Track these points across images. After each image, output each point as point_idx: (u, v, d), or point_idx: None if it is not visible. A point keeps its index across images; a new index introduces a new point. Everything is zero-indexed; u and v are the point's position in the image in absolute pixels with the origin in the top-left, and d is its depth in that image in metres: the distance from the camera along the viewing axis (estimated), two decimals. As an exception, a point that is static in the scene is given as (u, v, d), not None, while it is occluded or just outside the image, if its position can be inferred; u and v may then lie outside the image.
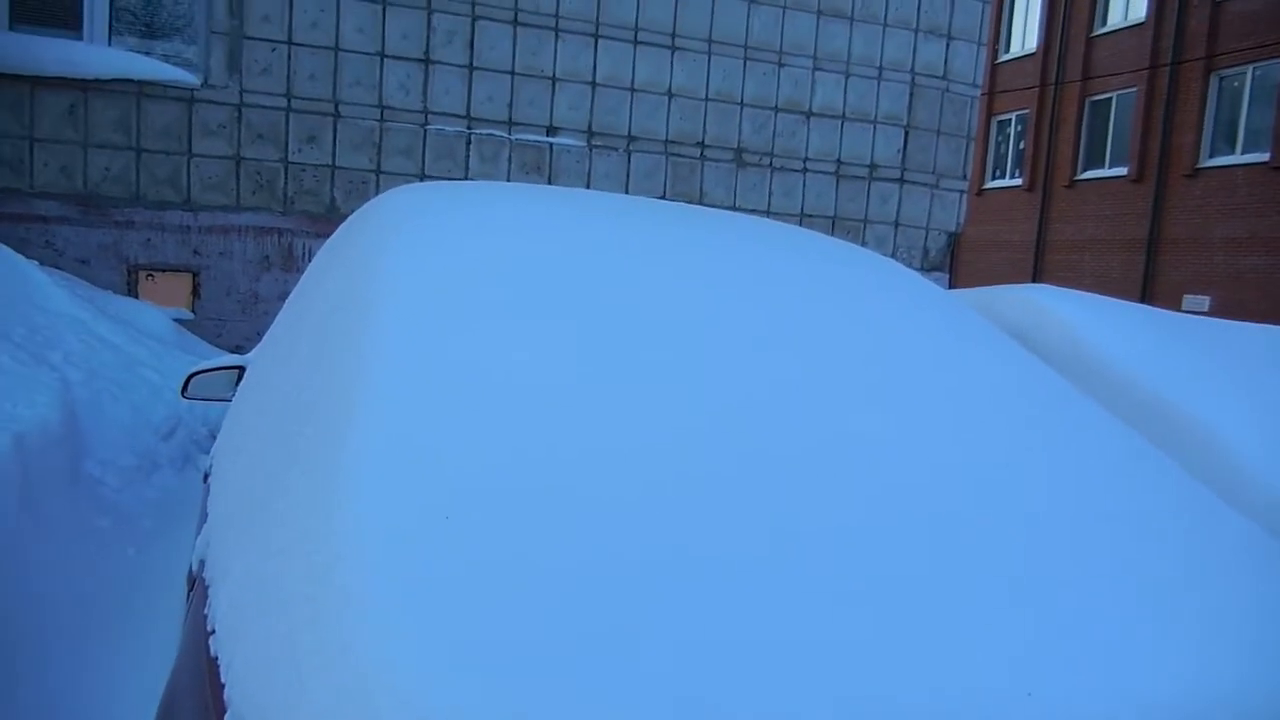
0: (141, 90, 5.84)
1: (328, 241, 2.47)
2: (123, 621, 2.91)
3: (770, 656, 0.93)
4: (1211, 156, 16.71)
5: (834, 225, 7.24)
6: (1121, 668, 1.03)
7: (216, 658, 1.12)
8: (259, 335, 5.46)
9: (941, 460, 1.34)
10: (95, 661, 2.70)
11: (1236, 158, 16.20)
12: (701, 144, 6.98)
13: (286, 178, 6.18)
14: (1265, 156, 15.57)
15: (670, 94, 6.85)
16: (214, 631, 1.17)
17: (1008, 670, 0.98)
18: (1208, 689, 1.04)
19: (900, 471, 1.29)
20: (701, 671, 0.90)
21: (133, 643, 2.76)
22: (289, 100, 6.14)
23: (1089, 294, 3.95)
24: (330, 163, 6.25)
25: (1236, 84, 16.33)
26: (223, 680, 1.06)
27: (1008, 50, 21.50)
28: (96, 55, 5.74)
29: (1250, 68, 15.95)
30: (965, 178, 7.57)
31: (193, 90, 5.95)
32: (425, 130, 6.41)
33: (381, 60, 6.27)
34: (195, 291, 6.07)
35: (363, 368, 1.38)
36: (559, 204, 2.26)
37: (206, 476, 2.17)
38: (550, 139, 6.64)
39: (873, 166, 7.36)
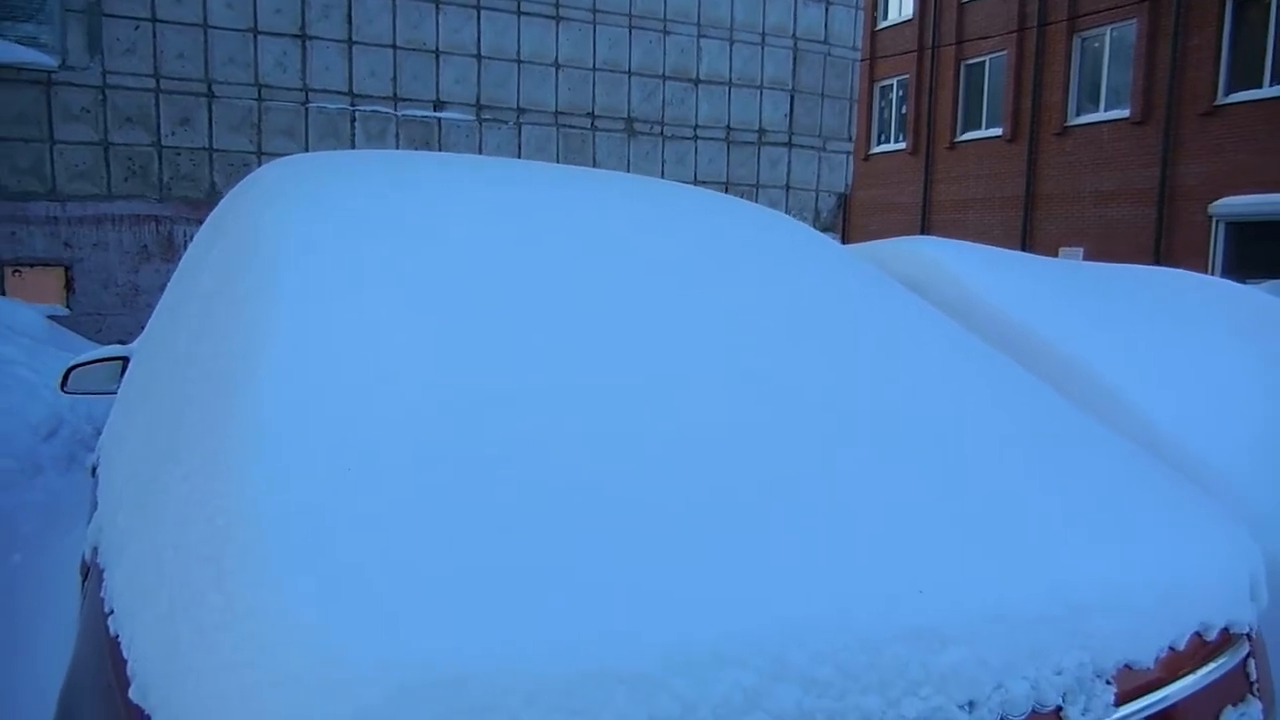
0: (-7, 74, 5.48)
1: (207, 220, 2.38)
2: (11, 627, 2.77)
3: (657, 568, 0.97)
4: (1079, 115, 17.53)
5: (726, 190, 7.34)
6: (1001, 563, 1.11)
7: (117, 636, 1.10)
8: (142, 329, 5.23)
9: (840, 392, 1.40)
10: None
11: (1101, 114, 17.03)
12: (592, 114, 6.96)
13: (161, 162, 5.90)
14: (1126, 112, 16.43)
15: (557, 65, 6.80)
16: (112, 611, 1.15)
17: (901, 570, 1.05)
18: (1080, 579, 1.13)
19: (798, 402, 1.34)
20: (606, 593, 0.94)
21: (24, 646, 2.63)
22: (158, 81, 5.85)
23: (972, 243, 4.13)
24: (207, 145, 6.00)
25: (1097, 45, 17.15)
26: (125, 656, 1.05)
27: (885, 17, 22.02)
28: (-61, 38, 5.35)
29: (1108, 29, 16.77)
30: (851, 139, 7.77)
31: (50, 73, 5.61)
32: (307, 109, 6.21)
33: (255, 36, 6.02)
34: (69, 286, 5.76)
35: (249, 341, 1.35)
36: (447, 169, 2.23)
37: (94, 470, 2.09)
38: (438, 114, 6.52)
39: (761, 131, 7.48)
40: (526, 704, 0.84)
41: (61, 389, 2.97)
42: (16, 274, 5.65)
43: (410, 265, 1.52)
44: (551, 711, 0.85)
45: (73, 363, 2.97)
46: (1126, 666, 1.15)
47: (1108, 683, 1.12)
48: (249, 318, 1.41)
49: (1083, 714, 1.07)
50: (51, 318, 5.50)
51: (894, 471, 1.22)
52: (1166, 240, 15.86)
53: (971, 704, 1.01)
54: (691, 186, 2.60)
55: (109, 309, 5.88)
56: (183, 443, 1.28)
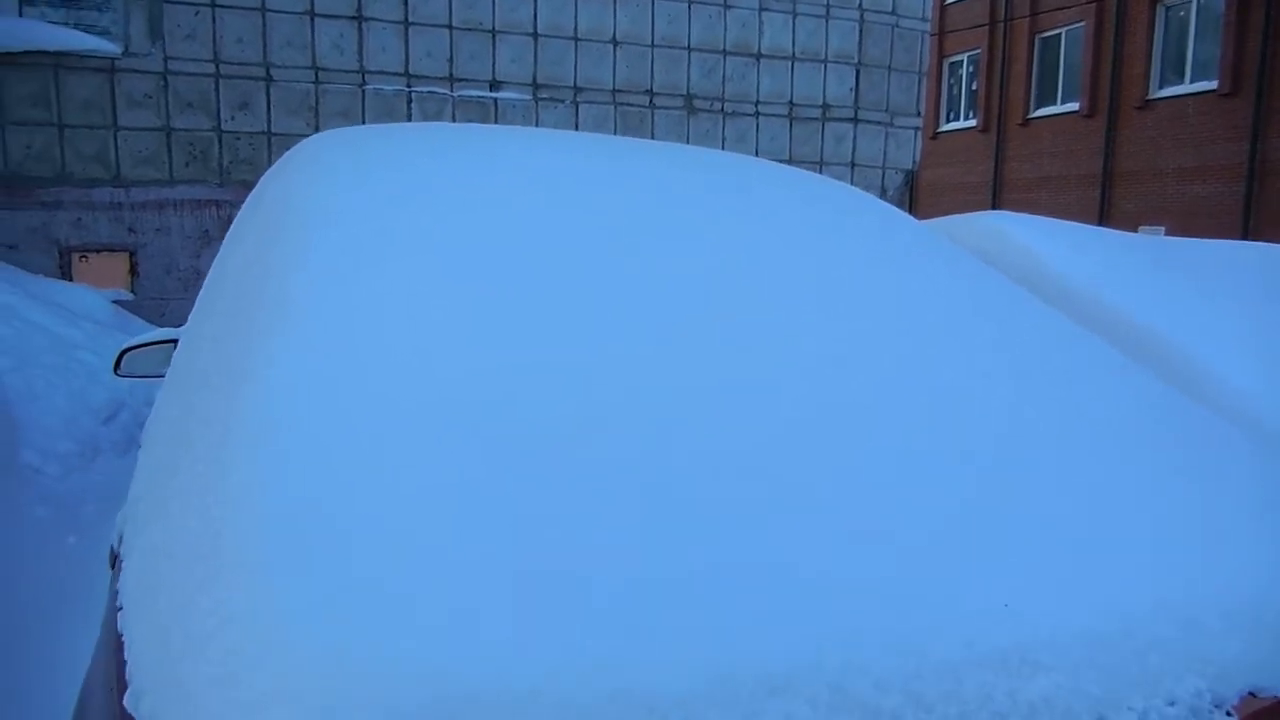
0: (59, 62, 5.55)
1: (247, 199, 2.32)
2: (62, 610, 2.77)
3: (733, 583, 0.84)
4: (1161, 87, 16.75)
5: (789, 169, 7.14)
6: (1103, 575, 0.95)
7: (122, 634, 1.03)
8: (202, 312, 5.26)
9: (918, 377, 1.24)
10: (34, 652, 2.57)
11: (1186, 87, 16.25)
12: (650, 92, 6.81)
13: (221, 147, 5.94)
14: (1213, 85, 15.64)
15: (615, 41, 6.66)
16: (121, 607, 1.08)
17: (984, 583, 0.90)
18: (1196, 594, 0.96)
19: (875, 390, 1.19)
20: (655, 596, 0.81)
21: (72, 630, 2.63)
22: (217, 66, 5.88)
23: (1048, 218, 3.89)
24: (266, 129, 6.02)
25: (1182, 13, 16.33)
26: (125, 657, 0.97)
27: (955, -9, 21.35)
28: (7, 27, 5.44)
29: (1195, -5, 15.97)
30: (919, 114, 7.49)
31: (113, 59, 5.67)
32: (363, 91, 6.19)
33: (312, 19, 6.01)
34: (133, 271, 5.85)
35: (265, 321, 1.25)
36: (495, 141, 2.12)
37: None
38: (494, 94, 6.44)
39: (825, 107, 7.25)
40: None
41: (115, 372, 2.95)
42: (84, 260, 5.75)
43: (443, 241, 1.41)
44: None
45: (125, 346, 2.95)
46: (1251, 694, 0.98)
47: (1228, 714, 0.95)
48: (268, 296, 1.32)
49: (1201, 752, 0.91)
50: (117, 302, 5.59)
51: (975, 468, 1.06)
52: (1255, 218, 15.08)
53: (1067, 740, 0.86)
54: (752, 157, 2.45)
55: (172, 293, 5.95)
56: (195, 428, 1.21)
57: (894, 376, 1.20)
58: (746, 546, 0.88)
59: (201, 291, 2.37)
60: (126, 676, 0.94)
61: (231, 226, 2.33)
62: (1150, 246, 3.66)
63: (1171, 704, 0.92)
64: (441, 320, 1.20)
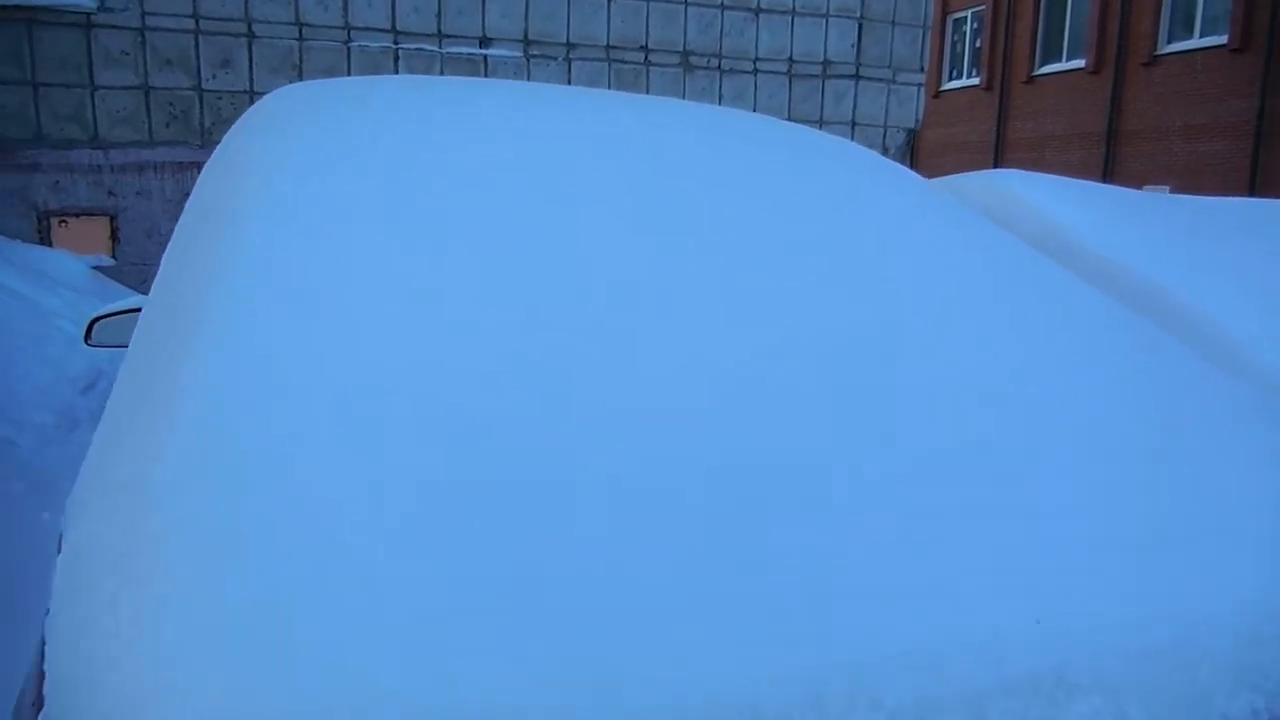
0: (32, 17, 5.35)
1: (210, 159, 2.17)
2: (30, 591, 2.67)
3: (742, 589, 0.72)
4: (1170, 42, 16.41)
5: (789, 128, 6.95)
6: (1145, 582, 0.83)
7: (45, 641, 0.92)
8: (185, 277, 5.12)
9: (937, 357, 1.11)
10: (5, 631, 2.47)
11: (1195, 42, 15.91)
12: (645, 48, 6.60)
13: (202, 107, 5.76)
14: (1223, 39, 15.31)
15: (609, -5, 6.44)
16: (48, 610, 0.97)
17: (1011, 594, 0.77)
18: (1250, 601, 0.84)
19: (891, 372, 1.06)
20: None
21: (38, 611, 2.53)
22: (197, 21, 5.67)
23: (1058, 177, 3.75)
24: (248, 88, 5.83)
25: (1192, -34, 15.96)
26: (44, 669, 0.87)
27: (960, -55, 20.87)
28: (-24, -19, 5.23)
29: (1206, -53, 15.58)
30: (922, 70, 7.28)
31: (89, 14, 5.47)
32: (349, 48, 5.98)
33: (294, -28, 5.80)
34: (114, 236, 5.69)
35: (215, 300, 1.13)
36: (474, 96, 1.97)
37: None
38: (484, 50, 6.24)
39: (826, 64, 7.04)
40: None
41: (86, 342, 2.83)
42: (63, 224, 5.59)
43: (413, 205, 1.27)
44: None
45: (95, 315, 2.83)
46: None
47: (1286, 734, 0.84)
48: (218, 266, 1.19)
49: (1259, 781, 0.80)
50: (97, 268, 5.44)
51: (998, 461, 0.93)
52: (1263, 176, 14.85)
53: (1107, 772, 0.75)
54: (752, 113, 2.30)
55: (154, 258, 5.80)
56: (134, 409, 1.09)
57: (911, 357, 1.07)
58: (738, 551, 0.76)
59: (164, 257, 2.24)
60: (44, 692, 0.83)
61: (194, 188, 2.19)
62: (1164, 205, 3.52)
63: (1223, 725, 0.80)
64: (406, 297, 1.06)
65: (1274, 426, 1.18)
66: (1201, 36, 15.83)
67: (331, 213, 1.22)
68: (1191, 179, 15.78)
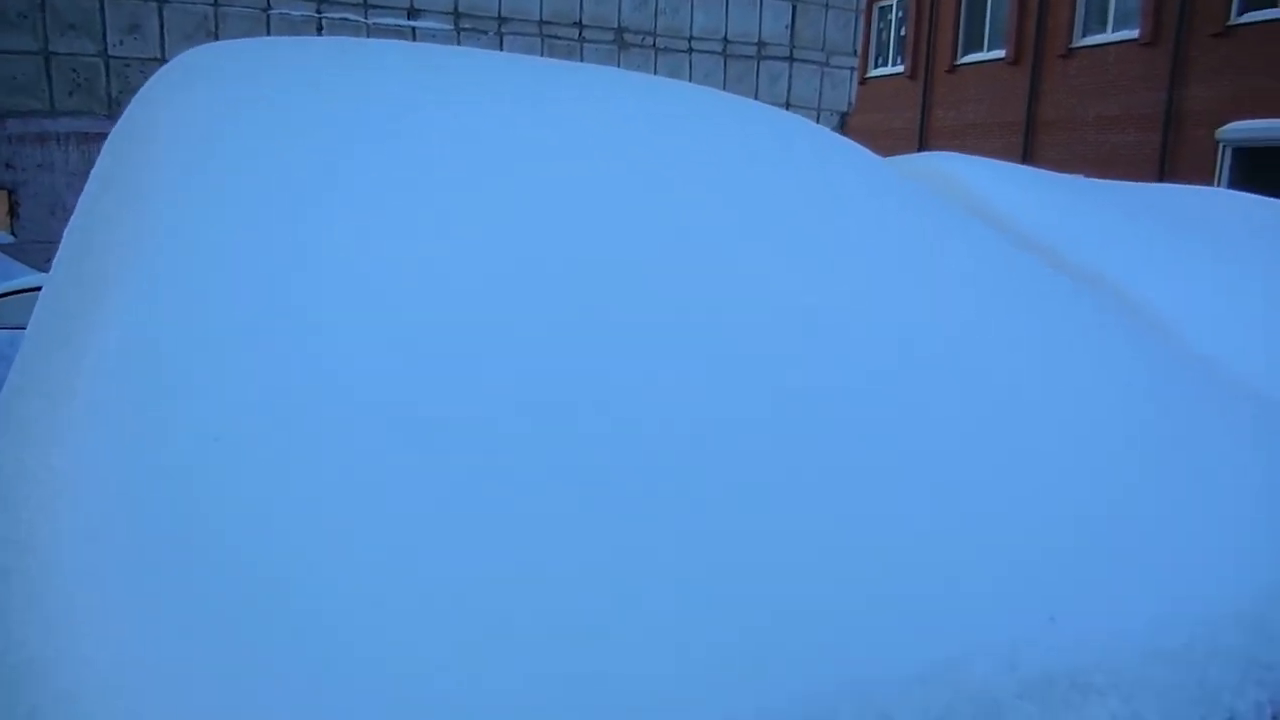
0: (-83, -25, 4.97)
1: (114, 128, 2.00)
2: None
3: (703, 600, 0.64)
4: (1085, 35, 16.90)
5: (724, 109, 6.90)
6: (1158, 576, 0.79)
7: None
8: (91, 255, 4.83)
9: (925, 346, 1.05)
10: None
11: (1108, 35, 16.41)
12: (579, 24, 6.47)
13: (109, 75, 5.43)
14: (1135, 33, 15.82)
15: (542, -31, 6.29)
16: None
17: (1023, 592, 0.72)
18: (1262, 592, 0.80)
19: (878, 361, 0.99)
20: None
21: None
22: (102, -17, 5.34)
23: (992, 160, 3.78)
24: (159, 55, 5.52)
25: (1107, -39, 16.42)
26: None
27: (886, -67, 21.11)
28: None
29: (1120, -57, 16.04)
30: (855, 53, 7.31)
31: (-20, -27, 5.10)
32: (268, 15, 5.71)
33: (208, -66, 5.50)
34: (12, 211, 5.34)
35: (111, 283, 1.01)
36: (409, 59, 1.84)
37: None
38: (413, 22, 6.03)
39: (761, 44, 7.01)
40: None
41: (-20, 324, 2.64)
42: (-45, 197, 5.23)
43: (329, 166, 1.16)
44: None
45: (-10, 294, 2.63)
46: None
47: (1288, 727, 0.80)
48: (114, 246, 1.08)
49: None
50: (-5, 245, 5.10)
51: (1002, 456, 0.88)
52: (1171, 166, 15.43)
53: (1124, 776, 0.70)
54: (702, 87, 2.21)
55: (57, 235, 5.44)
56: (23, 391, 0.97)
57: (907, 351, 1.00)
58: (724, 554, 0.69)
59: (65, 233, 2.06)
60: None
61: (98, 159, 2.03)
62: (1095, 189, 3.57)
63: (1231, 721, 0.76)
64: (324, 272, 0.96)
65: (1266, 417, 1.16)
66: (1114, 30, 16.33)
67: (249, 185, 1.10)
68: (1104, 168, 16.30)
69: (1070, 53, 16.98)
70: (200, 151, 1.21)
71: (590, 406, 0.81)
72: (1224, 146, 14.54)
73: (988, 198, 3.21)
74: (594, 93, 1.62)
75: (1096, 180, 3.80)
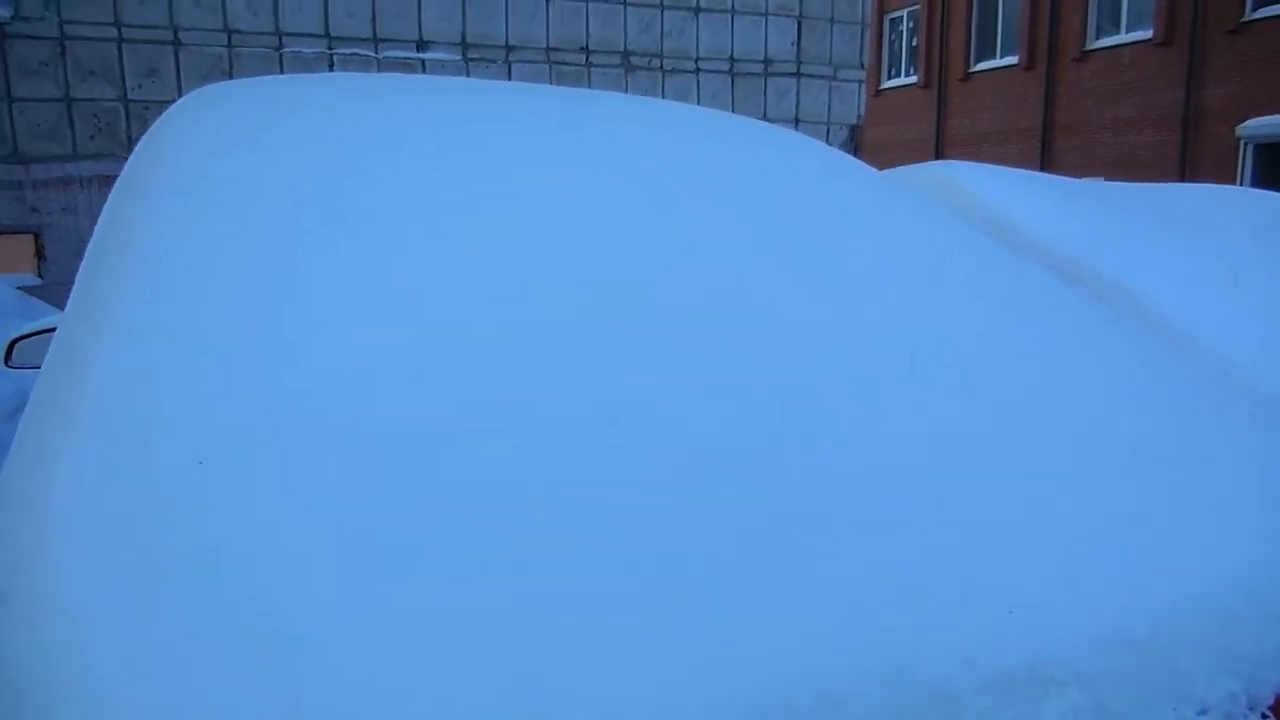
0: (-58, 29, 5.12)
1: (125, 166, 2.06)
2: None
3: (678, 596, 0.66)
4: (1098, 37, 16.82)
5: (733, 127, 6.94)
6: (1121, 566, 0.79)
7: None
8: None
9: (898, 344, 1.06)
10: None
11: (1122, 37, 16.32)
12: (586, 49, 6.55)
13: (129, 118, 5.56)
14: (1149, 34, 15.73)
15: (547, -3, 6.38)
16: None
17: (980, 584, 0.73)
18: (1228, 581, 0.80)
19: (851, 359, 1.01)
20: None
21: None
22: (119, 29, 5.47)
23: (999, 167, 3.77)
24: (176, 97, 5.64)
25: (1117, -37, 16.37)
26: None
27: (893, -55, 21.18)
28: (-119, -9, 4.99)
29: (1130, -56, 16.00)
30: (862, 66, 7.33)
31: (3, 25, 5.25)
32: (281, 55, 5.83)
33: (220, -23, 5.64)
34: (39, 253, 5.47)
35: (116, 314, 1.04)
36: (409, 92, 1.88)
37: None
38: (421, 54, 6.13)
39: (767, 62, 7.05)
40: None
41: (5, 364, 2.70)
42: (-17, 243, 5.36)
43: (342, 207, 1.19)
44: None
45: (13, 336, 2.69)
46: None
47: (1264, 716, 0.80)
48: (119, 271, 1.11)
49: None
50: (23, 288, 5.22)
51: (959, 445, 0.89)
52: (1191, 165, 15.28)
53: (1088, 769, 0.71)
54: (695, 106, 2.25)
55: (82, 276, 5.57)
56: (35, 422, 1.00)
57: (880, 348, 1.02)
58: (688, 561, 0.70)
59: (79, 272, 2.12)
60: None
61: (109, 199, 2.08)
62: (1103, 192, 3.55)
63: (1203, 713, 0.76)
64: (332, 300, 0.98)
65: (1246, 409, 1.16)
66: (1128, 32, 16.24)
67: (256, 218, 1.14)
68: (1123, 170, 16.17)
69: (1084, 56, 16.90)
70: (205, 177, 1.25)
71: (600, 412, 0.84)
72: (1245, 144, 14.38)
73: (991, 204, 3.21)
74: (593, 114, 1.66)
75: (1107, 183, 3.78)
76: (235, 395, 0.83)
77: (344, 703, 0.60)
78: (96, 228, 1.88)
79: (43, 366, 1.65)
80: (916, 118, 20.69)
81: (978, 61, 19.51)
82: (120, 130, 5.57)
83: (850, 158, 1.93)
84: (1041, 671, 0.69)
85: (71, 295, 1.85)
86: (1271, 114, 13.97)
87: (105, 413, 0.81)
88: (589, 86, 6.62)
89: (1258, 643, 0.79)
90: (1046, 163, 17.79)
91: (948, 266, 1.35)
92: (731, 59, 6.98)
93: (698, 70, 6.89)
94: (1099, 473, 0.89)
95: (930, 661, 0.67)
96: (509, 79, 6.33)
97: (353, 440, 0.80)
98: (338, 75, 2.10)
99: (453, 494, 0.74)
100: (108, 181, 5.50)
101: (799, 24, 7.13)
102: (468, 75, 6.24)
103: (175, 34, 5.63)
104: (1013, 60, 18.47)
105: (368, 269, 1.06)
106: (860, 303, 1.14)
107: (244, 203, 1.19)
